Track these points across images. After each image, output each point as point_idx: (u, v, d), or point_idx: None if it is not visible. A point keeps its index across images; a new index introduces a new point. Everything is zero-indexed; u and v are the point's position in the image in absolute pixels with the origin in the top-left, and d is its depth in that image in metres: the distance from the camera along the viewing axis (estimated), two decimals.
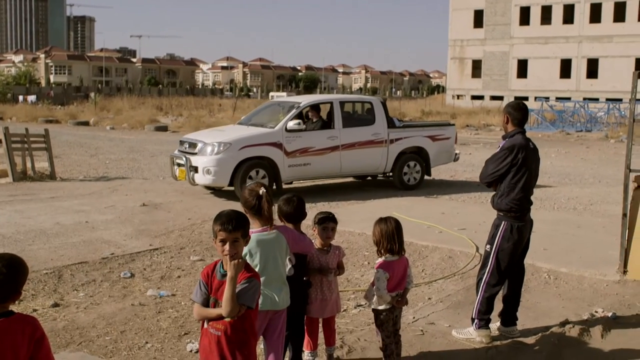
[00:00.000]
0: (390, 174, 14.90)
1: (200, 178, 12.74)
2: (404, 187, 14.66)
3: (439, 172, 16.96)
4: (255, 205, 4.15)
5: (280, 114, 14.04)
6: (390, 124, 14.59)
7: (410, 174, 14.83)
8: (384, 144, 14.38)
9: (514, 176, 5.66)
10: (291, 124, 13.22)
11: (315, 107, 14.25)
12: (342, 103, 14.43)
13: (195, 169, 12.74)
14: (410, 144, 14.82)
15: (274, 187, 12.90)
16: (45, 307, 6.45)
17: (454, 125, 16.48)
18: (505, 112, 5.90)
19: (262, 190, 4.16)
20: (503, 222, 5.74)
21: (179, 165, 13.29)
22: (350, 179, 15.84)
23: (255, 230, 4.17)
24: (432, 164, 15.24)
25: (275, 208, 4.46)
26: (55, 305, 6.51)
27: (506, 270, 5.82)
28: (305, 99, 14.87)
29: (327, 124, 14.06)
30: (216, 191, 13.90)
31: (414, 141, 14.89)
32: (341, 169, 14.12)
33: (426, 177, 15.28)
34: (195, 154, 12.90)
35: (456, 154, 15.83)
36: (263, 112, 15.12)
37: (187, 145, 13.36)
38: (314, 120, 14.12)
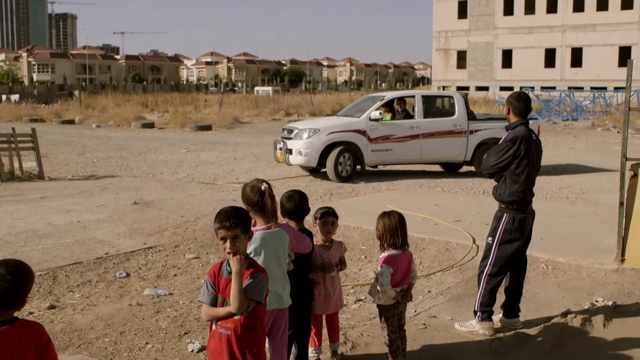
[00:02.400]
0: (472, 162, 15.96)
1: (294, 159, 15.05)
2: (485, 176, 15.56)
3: (422, 165, 17.00)
4: (258, 201, 4.06)
5: (369, 106, 15.81)
6: (471, 116, 15.77)
7: None
8: (463, 135, 15.55)
9: (516, 168, 5.61)
10: (374, 114, 15.13)
11: (401, 100, 16.22)
12: (424, 97, 16.24)
13: (290, 151, 15.02)
14: (490, 135, 15.74)
15: (358, 168, 15.22)
16: (41, 309, 6.35)
17: (537, 119, 17.22)
18: (507, 102, 5.88)
19: (264, 186, 4.07)
20: (505, 214, 5.70)
21: (280, 149, 15.42)
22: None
23: (259, 228, 4.09)
24: None
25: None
26: (52, 307, 6.41)
27: (508, 262, 5.79)
28: (389, 94, 16.80)
29: (411, 115, 15.80)
30: (207, 189, 13.87)
31: (494, 132, 15.67)
32: (421, 155, 15.69)
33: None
34: (291, 138, 15.16)
35: None
36: (357, 105, 17.04)
37: (287, 132, 15.67)
38: (400, 111, 15.96)
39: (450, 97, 16.33)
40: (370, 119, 15.16)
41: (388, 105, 15.84)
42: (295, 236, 4.34)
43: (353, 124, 15.29)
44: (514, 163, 5.60)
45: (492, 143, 15.44)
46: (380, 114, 15.18)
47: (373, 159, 15.41)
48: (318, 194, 13.02)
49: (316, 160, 14.89)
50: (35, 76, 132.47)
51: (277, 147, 15.58)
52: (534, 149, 5.67)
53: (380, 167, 16.69)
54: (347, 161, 14.93)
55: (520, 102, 5.76)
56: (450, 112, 15.90)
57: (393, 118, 15.80)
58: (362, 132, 15.07)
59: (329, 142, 14.87)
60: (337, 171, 14.74)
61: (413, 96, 16.33)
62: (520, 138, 5.60)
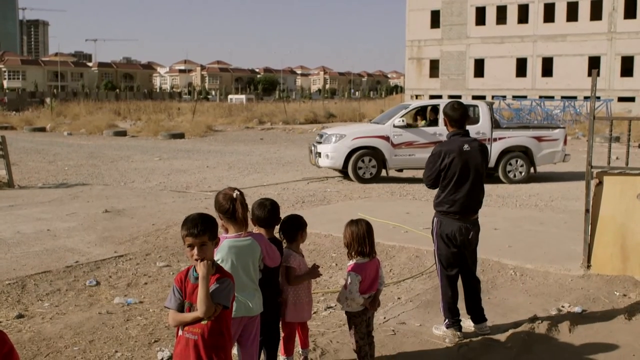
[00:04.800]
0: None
1: (322, 161, 16.41)
2: (508, 181, 16.25)
3: (403, 172, 17.22)
4: (229, 208, 4.10)
5: (397, 114, 16.82)
6: (495, 124, 16.60)
7: (515, 169, 16.47)
8: (486, 142, 15.93)
9: (443, 179, 5.80)
10: (398, 121, 16.19)
11: (433, 109, 16.83)
12: None
13: (320, 154, 16.38)
14: (515, 143, 16.48)
15: (382, 172, 16.32)
16: (10, 318, 6.30)
17: (564, 128, 17.77)
18: (443, 113, 5.98)
19: (235, 193, 4.11)
20: (434, 219, 5.96)
21: (312, 152, 16.89)
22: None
23: (229, 235, 4.13)
24: (537, 162, 16.69)
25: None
26: (20, 316, 6.36)
27: (449, 264, 5.92)
28: (416, 103, 18.66)
29: (435, 122, 16.45)
30: (179, 197, 13.84)
31: (518, 141, 16.55)
32: None
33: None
34: (321, 143, 16.56)
35: (566, 155, 16.97)
36: (389, 113, 17.89)
37: (319, 137, 17.11)
38: (431, 119, 16.69)
39: (476, 106, 16.74)
40: (395, 126, 16.21)
41: (422, 114, 16.99)
42: (266, 248, 4.34)
43: (378, 130, 16.49)
44: (441, 175, 5.77)
45: (518, 151, 16.25)
46: (403, 120, 16.26)
47: (396, 164, 16.51)
48: (290, 202, 13.06)
49: (342, 163, 16.14)
50: (5, 83, 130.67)
51: (311, 151, 16.95)
52: (463, 160, 5.71)
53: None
54: (369, 164, 16.15)
55: (455, 112, 5.84)
56: (474, 120, 16.31)
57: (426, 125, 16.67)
58: (386, 138, 16.16)
59: (354, 147, 16.11)
60: (356, 173, 16.03)
61: (437, 105, 16.84)
62: (444, 152, 5.74)
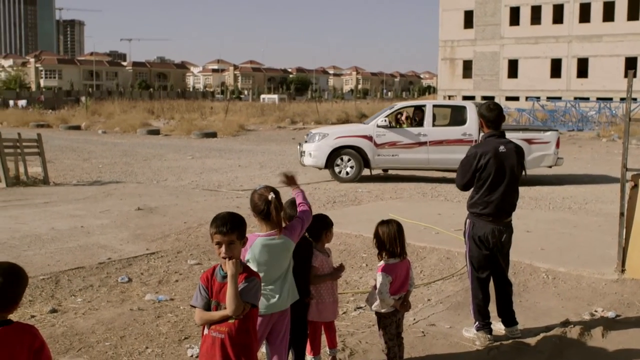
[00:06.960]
0: None
1: (307, 160, 16.60)
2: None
3: (427, 172, 17.13)
4: (263, 210, 4.10)
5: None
6: None
7: None
8: (473, 143, 15.59)
9: (477, 181, 5.72)
10: (381, 121, 16.18)
11: (419, 109, 16.81)
12: (435, 106, 17.01)
13: (304, 153, 16.61)
14: None
15: (363, 172, 16.34)
16: (43, 313, 6.40)
17: (556, 130, 17.31)
18: (478, 114, 5.90)
19: (271, 196, 4.10)
20: (467, 220, 5.89)
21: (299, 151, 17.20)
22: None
23: (262, 234, 4.14)
24: (527, 165, 15.92)
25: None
26: (53, 311, 6.46)
27: (481, 266, 5.83)
28: (401, 104, 18.52)
29: (421, 123, 16.38)
30: (211, 196, 13.93)
31: None
32: (429, 161, 16.24)
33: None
34: (307, 142, 16.77)
35: (559, 158, 16.45)
36: (380, 113, 17.51)
37: (306, 136, 17.39)
38: (417, 119, 16.68)
39: (463, 107, 16.45)
40: (378, 126, 16.11)
41: (412, 115, 16.92)
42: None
43: (361, 130, 16.53)
44: (476, 176, 5.70)
45: None
46: (386, 120, 16.19)
47: (379, 164, 16.42)
48: (321, 201, 13.06)
49: (324, 162, 16.21)
50: (42, 82, 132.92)
51: (299, 150, 17.21)
52: (498, 161, 5.64)
53: (399, 172, 17.49)
54: (346, 163, 16.20)
55: (490, 113, 5.76)
56: (460, 121, 16.10)
57: (411, 125, 16.56)
58: (369, 138, 16.08)
59: (337, 146, 16.17)
60: (334, 172, 16.23)
61: (424, 105, 16.80)
62: (480, 153, 5.66)
